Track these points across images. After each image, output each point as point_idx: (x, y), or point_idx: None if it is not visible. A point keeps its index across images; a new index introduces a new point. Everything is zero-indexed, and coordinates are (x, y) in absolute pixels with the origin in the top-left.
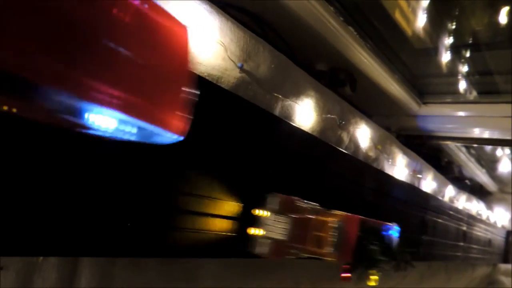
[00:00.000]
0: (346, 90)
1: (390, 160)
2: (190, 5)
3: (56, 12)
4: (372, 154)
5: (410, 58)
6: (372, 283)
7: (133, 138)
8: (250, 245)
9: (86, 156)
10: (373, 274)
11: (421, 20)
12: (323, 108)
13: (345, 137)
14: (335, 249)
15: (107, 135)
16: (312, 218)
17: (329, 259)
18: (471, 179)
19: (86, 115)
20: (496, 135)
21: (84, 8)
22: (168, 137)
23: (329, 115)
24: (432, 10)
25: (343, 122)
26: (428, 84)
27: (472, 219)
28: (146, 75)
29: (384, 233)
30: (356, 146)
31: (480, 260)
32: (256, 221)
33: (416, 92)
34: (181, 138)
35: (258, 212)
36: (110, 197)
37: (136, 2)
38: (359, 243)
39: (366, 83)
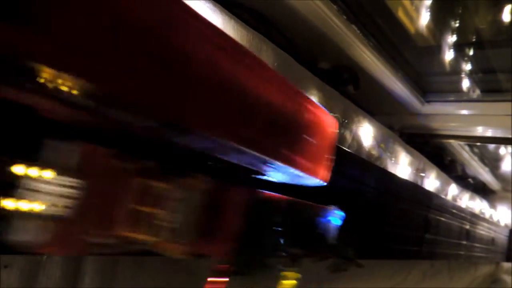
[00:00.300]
0: (349, 88)
1: (393, 159)
2: (193, 4)
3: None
4: (375, 152)
5: (413, 56)
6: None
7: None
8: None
9: None
10: (287, 276)
11: (424, 18)
12: (325, 107)
13: (348, 136)
14: (173, 234)
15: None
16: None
17: (168, 251)
18: (474, 178)
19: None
20: (499, 133)
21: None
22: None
23: (331, 114)
24: (435, 8)
25: (346, 121)
26: (431, 82)
27: (475, 218)
28: (313, 147)
29: (316, 218)
30: (359, 145)
31: (483, 259)
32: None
33: (419, 90)
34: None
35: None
36: None
37: (316, 110)
38: (252, 229)
39: (369, 82)
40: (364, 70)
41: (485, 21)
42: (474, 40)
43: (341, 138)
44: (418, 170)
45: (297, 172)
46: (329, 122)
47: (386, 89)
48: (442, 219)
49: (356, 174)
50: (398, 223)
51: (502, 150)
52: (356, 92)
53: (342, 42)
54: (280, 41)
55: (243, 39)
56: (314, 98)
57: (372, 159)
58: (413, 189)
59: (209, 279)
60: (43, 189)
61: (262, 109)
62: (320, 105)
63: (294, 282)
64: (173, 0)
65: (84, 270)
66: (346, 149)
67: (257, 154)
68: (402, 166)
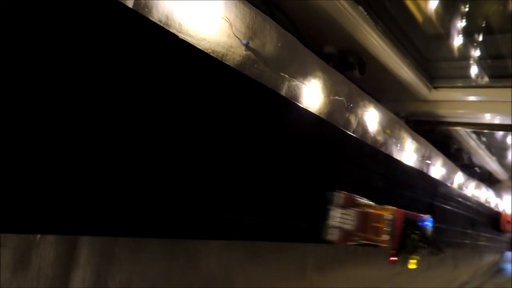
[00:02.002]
0: (354, 73)
1: (399, 145)
2: None
3: None
4: (380, 138)
5: (421, 41)
6: (412, 266)
7: None
8: (324, 233)
9: None
10: (413, 258)
11: (433, 2)
12: (330, 90)
13: (353, 120)
14: (389, 237)
15: None
16: (371, 211)
17: (384, 245)
18: (480, 167)
19: None
20: (507, 120)
21: None
22: None
23: (337, 97)
24: None
25: (351, 105)
26: (439, 68)
27: (481, 207)
28: None
29: (420, 223)
30: (364, 130)
31: (488, 248)
32: (328, 214)
33: (427, 76)
34: None
35: (329, 207)
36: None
37: None
38: (403, 232)
39: (376, 67)
40: (370, 54)
41: (494, 7)
42: (483, 25)
43: (346, 123)
44: (424, 158)
45: None
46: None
47: (393, 75)
48: (448, 207)
49: (360, 160)
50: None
51: (510, 139)
52: (362, 77)
53: (348, 25)
54: (284, 24)
55: (245, 17)
56: (319, 81)
57: (378, 145)
58: (418, 176)
59: (390, 258)
60: (336, 215)
61: None
62: None
63: (416, 261)
64: None
65: (80, 251)
66: (351, 134)
67: None
68: (407, 152)
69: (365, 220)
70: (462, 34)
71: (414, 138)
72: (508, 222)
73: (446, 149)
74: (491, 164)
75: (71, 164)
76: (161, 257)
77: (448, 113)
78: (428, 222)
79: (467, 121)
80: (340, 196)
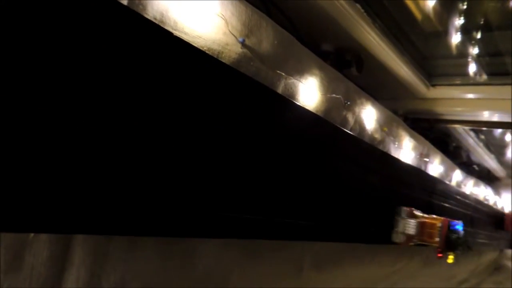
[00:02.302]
0: (352, 71)
1: (397, 143)
2: None
3: None
4: (378, 136)
5: (419, 38)
6: (450, 260)
7: None
8: (394, 237)
9: None
10: (451, 255)
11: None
12: (327, 88)
13: (350, 118)
14: (439, 239)
15: None
16: (427, 221)
17: (435, 245)
18: (479, 165)
19: None
20: (505, 118)
21: None
22: None
23: (334, 95)
24: None
25: (348, 103)
26: (437, 65)
27: (480, 205)
28: None
29: (455, 228)
30: (362, 128)
31: (486, 246)
32: (396, 222)
33: (425, 74)
34: None
35: (397, 217)
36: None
37: None
38: (447, 235)
39: (373, 64)
40: (368, 52)
41: (493, 4)
42: (481, 22)
43: (343, 121)
44: (422, 155)
45: None
46: None
47: (391, 72)
48: (446, 205)
49: (358, 158)
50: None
51: (508, 136)
52: (359, 75)
53: (346, 23)
54: (281, 21)
55: (241, 14)
56: (316, 79)
57: (375, 143)
58: (416, 174)
59: (438, 254)
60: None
61: None
62: None
63: (453, 257)
64: None
65: (73, 250)
66: (349, 132)
67: None
68: (405, 150)
69: (423, 227)
70: (460, 31)
71: (412, 136)
72: None
73: (444, 147)
74: (490, 162)
75: (65, 162)
76: (156, 256)
77: (446, 110)
78: (459, 226)
79: (466, 119)
80: (405, 209)
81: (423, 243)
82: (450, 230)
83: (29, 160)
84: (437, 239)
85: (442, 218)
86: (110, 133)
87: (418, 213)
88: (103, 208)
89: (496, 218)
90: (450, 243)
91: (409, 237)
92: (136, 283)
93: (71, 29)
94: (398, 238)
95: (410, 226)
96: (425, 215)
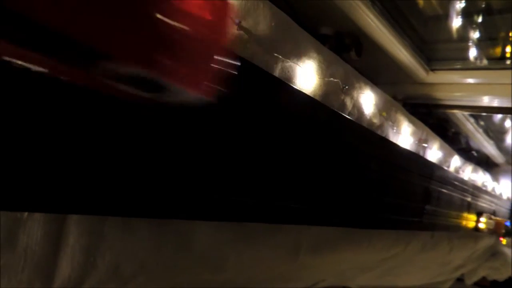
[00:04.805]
0: (351, 55)
1: (395, 128)
2: None
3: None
4: (376, 121)
5: (419, 22)
6: (504, 242)
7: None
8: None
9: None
10: (504, 240)
11: None
12: (325, 71)
13: (349, 103)
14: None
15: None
16: (498, 222)
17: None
18: (478, 151)
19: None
20: (506, 103)
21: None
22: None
23: (332, 79)
24: None
25: (347, 87)
26: (437, 50)
27: (477, 190)
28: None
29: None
30: (360, 112)
31: (484, 231)
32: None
33: (424, 58)
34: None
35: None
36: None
37: None
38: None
39: (372, 48)
40: (367, 35)
41: None
42: (482, 6)
43: (341, 105)
44: (421, 141)
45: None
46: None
47: (390, 56)
48: (444, 190)
49: (355, 142)
50: (398, 193)
51: (508, 122)
52: (358, 59)
53: (344, 5)
54: (279, 4)
55: None
56: (313, 62)
57: (373, 128)
58: (414, 160)
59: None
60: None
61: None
62: None
63: (505, 241)
64: None
65: (68, 229)
66: (347, 116)
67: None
68: (404, 136)
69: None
70: (461, 15)
71: (410, 121)
72: None
73: (443, 132)
74: (489, 148)
75: (59, 141)
76: (151, 236)
77: (446, 96)
78: (508, 223)
79: (465, 104)
80: (490, 222)
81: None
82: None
83: (23, 139)
84: (503, 231)
85: (504, 219)
86: (106, 114)
87: (497, 218)
88: (98, 188)
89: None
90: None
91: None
92: (131, 263)
93: None
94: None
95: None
96: (499, 219)
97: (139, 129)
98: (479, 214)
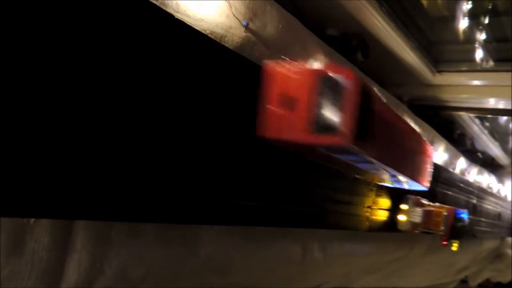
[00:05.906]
0: (358, 56)
1: None
2: None
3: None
4: None
5: (426, 23)
6: (455, 248)
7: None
8: (399, 225)
9: None
10: (455, 242)
11: None
12: None
13: None
14: (444, 227)
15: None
16: (433, 210)
17: (441, 233)
18: (483, 152)
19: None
20: (511, 105)
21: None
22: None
23: None
24: None
25: None
26: (444, 51)
27: (483, 192)
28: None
29: (461, 216)
30: None
31: (488, 234)
32: (402, 211)
33: (431, 59)
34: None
35: (403, 206)
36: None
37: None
38: (452, 223)
39: (379, 50)
40: (374, 37)
41: None
42: (489, 7)
43: None
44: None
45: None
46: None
47: (397, 58)
48: (449, 192)
49: None
50: None
51: None
52: (365, 60)
53: (351, 7)
54: (286, 6)
55: None
56: (321, 64)
57: None
58: None
59: (443, 242)
60: (407, 212)
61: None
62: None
63: (457, 245)
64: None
65: (75, 235)
66: None
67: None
68: None
69: (429, 216)
70: (467, 16)
71: (416, 123)
72: None
73: (449, 134)
74: (494, 149)
75: (66, 149)
76: (158, 242)
77: (452, 97)
78: (464, 214)
79: (471, 106)
80: (411, 198)
81: (429, 231)
82: (456, 218)
83: (30, 146)
84: (442, 228)
85: (448, 207)
86: (111, 119)
87: (424, 201)
88: (105, 194)
89: None
90: (455, 231)
91: (415, 225)
92: (138, 268)
93: (75, 9)
94: (403, 226)
95: (416, 215)
96: (431, 204)
97: (145, 134)
98: (398, 196)
